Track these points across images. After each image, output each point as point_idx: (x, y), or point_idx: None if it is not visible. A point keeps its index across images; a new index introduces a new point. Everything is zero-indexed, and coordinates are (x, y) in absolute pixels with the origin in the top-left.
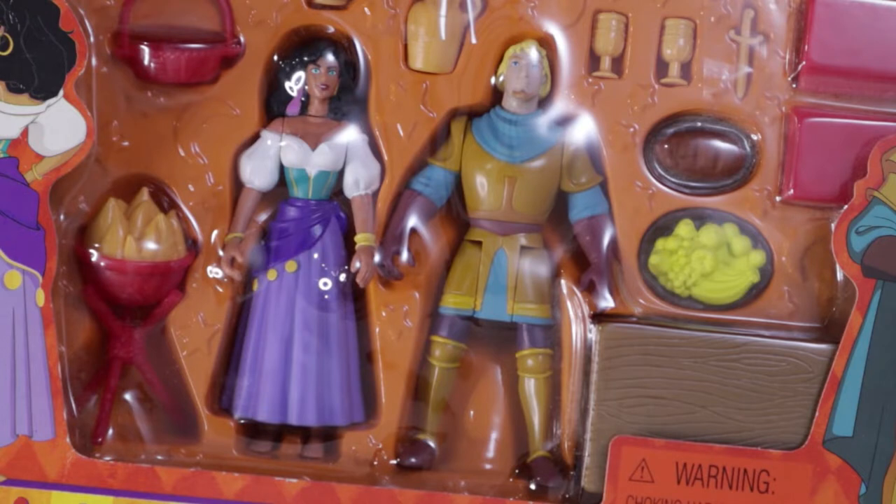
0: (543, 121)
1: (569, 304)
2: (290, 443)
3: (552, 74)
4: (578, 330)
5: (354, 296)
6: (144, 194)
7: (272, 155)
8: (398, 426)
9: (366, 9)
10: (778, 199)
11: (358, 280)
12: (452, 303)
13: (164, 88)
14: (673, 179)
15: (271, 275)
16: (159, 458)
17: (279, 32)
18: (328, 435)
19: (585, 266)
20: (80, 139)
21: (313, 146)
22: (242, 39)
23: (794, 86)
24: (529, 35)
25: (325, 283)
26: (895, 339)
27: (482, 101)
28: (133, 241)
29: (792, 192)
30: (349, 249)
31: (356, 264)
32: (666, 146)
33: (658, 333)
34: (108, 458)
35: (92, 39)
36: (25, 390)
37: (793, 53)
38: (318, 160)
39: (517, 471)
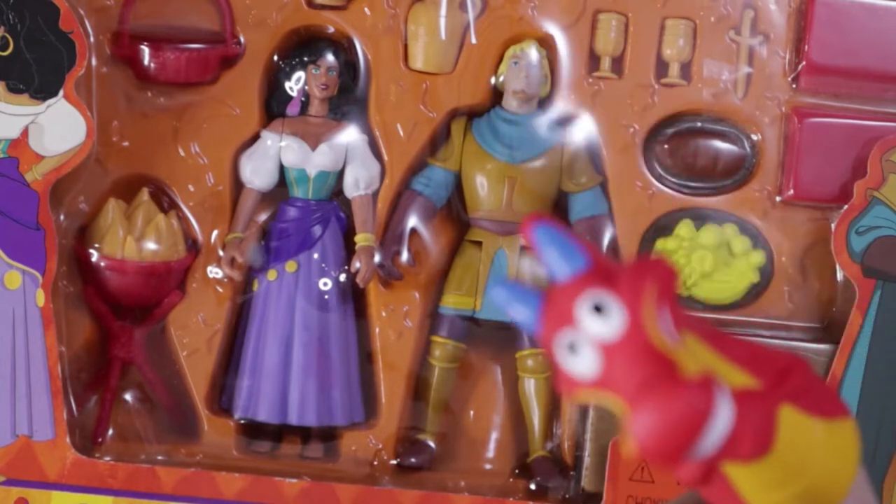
0: (543, 121)
1: None
2: (290, 443)
3: (552, 74)
4: None
5: (354, 296)
6: (144, 194)
7: (272, 155)
8: (398, 426)
9: (366, 9)
10: (778, 199)
11: (358, 280)
12: (452, 303)
13: (164, 88)
14: (673, 179)
15: (271, 275)
16: (159, 458)
17: (279, 32)
18: (328, 435)
19: None
20: (80, 139)
21: (313, 146)
22: (242, 39)
23: (794, 86)
24: (529, 35)
25: (325, 284)
26: (895, 339)
27: (482, 101)
28: (133, 242)
29: (792, 192)
30: (349, 249)
31: (356, 264)
32: (666, 146)
33: None
34: (108, 458)
35: (92, 39)
36: (25, 390)
37: (793, 53)
38: (318, 160)
39: (517, 471)
